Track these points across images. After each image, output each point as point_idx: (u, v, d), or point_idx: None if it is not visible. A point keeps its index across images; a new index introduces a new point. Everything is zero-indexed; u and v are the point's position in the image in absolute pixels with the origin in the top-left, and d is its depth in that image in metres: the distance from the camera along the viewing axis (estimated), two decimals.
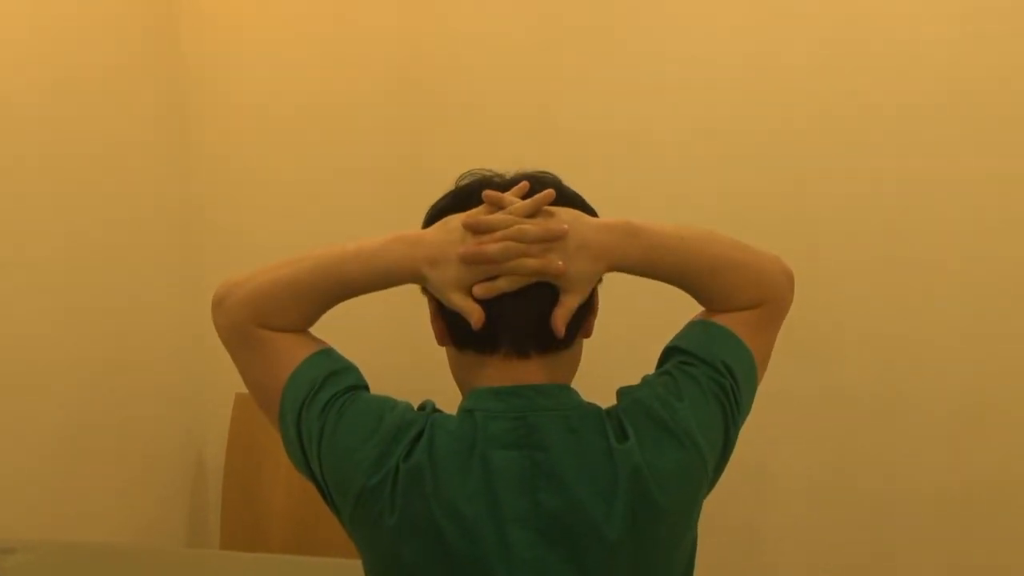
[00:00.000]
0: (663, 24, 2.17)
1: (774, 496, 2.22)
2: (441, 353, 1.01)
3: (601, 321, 1.00)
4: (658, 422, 0.90)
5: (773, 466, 2.20)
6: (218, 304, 0.97)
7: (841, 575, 2.20)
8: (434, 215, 0.97)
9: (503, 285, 0.90)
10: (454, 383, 1.00)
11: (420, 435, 0.90)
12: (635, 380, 0.97)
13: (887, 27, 2.07)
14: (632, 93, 2.19)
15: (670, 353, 0.99)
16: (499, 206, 0.92)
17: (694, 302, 1.03)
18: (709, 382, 0.94)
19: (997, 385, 2.09)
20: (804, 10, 2.10)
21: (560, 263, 0.90)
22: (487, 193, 0.92)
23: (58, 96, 1.98)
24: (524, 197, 0.93)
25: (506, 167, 0.99)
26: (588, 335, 0.99)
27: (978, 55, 2.03)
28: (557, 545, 0.87)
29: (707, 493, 0.95)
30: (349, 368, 0.97)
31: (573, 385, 0.97)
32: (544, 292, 0.91)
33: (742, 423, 0.98)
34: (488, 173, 0.98)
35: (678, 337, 1.00)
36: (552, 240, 0.90)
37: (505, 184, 0.96)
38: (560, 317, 0.91)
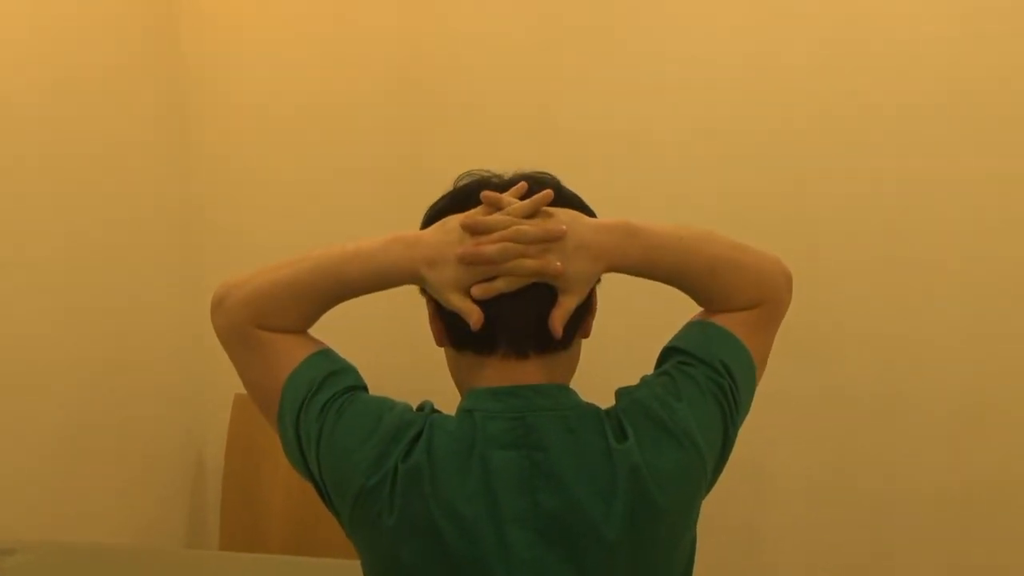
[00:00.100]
0: (663, 24, 2.17)
1: (774, 496, 2.22)
2: (440, 353, 1.01)
3: (599, 321, 1.00)
4: (657, 422, 0.90)
5: (773, 466, 2.20)
6: (217, 305, 0.97)
7: (840, 575, 2.21)
8: (432, 216, 0.97)
9: (501, 286, 0.90)
10: (453, 383, 1.00)
11: (419, 435, 0.90)
12: (634, 380, 0.97)
13: (887, 27, 2.07)
14: (632, 93, 2.19)
15: (669, 353, 0.99)
16: (497, 207, 0.92)
17: (692, 303, 1.03)
18: (708, 382, 0.94)
19: (997, 385, 2.09)
20: (804, 10, 2.10)
21: (558, 264, 0.90)
22: (485, 194, 0.92)
23: (58, 96, 1.98)
24: (522, 198, 0.93)
25: (506, 167, 0.99)
26: (586, 335, 0.99)
27: (978, 55, 2.03)
28: (556, 545, 0.87)
29: (706, 493, 0.95)
30: (348, 369, 0.97)
31: (572, 385, 0.97)
32: (542, 293, 0.91)
33: (741, 423, 0.98)
34: (486, 174, 0.98)
35: (676, 337, 1.00)
36: (550, 241, 0.90)
37: (503, 185, 0.96)
38: (558, 318, 0.91)
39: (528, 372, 0.93)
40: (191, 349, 2.38)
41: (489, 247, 0.89)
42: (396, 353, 2.16)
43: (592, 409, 0.93)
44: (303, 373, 0.94)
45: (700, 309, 1.03)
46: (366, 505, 0.89)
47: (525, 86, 2.24)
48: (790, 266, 1.04)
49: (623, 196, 1.95)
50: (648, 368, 1.00)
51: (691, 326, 1.01)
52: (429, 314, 0.99)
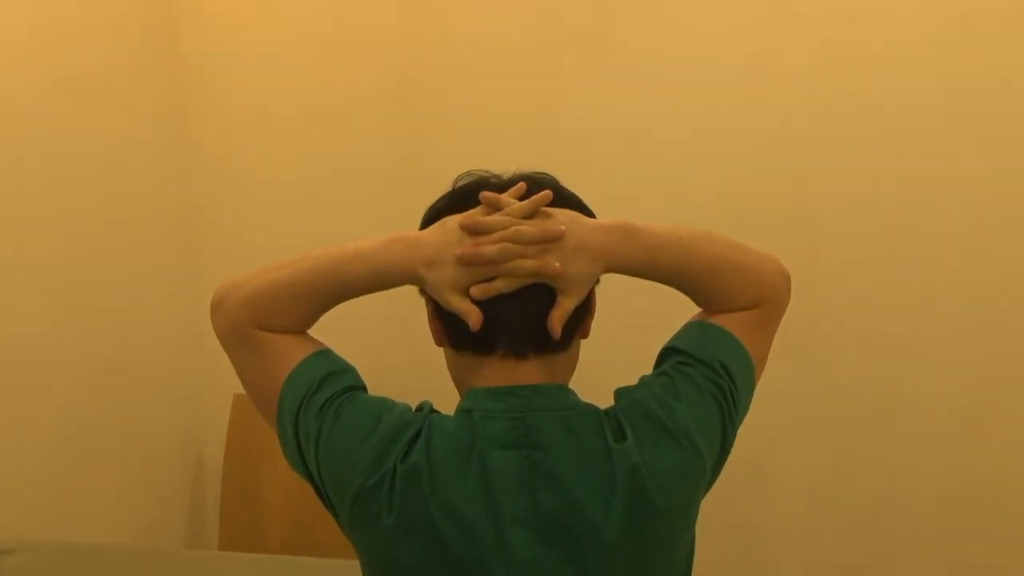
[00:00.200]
0: (663, 24, 2.17)
1: (774, 495, 2.22)
2: (439, 353, 1.01)
3: (598, 322, 1.00)
4: (656, 422, 0.90)
5: (772, 465, 2.20)
6: (216, 306, 0.97)
7: (840, 574, 2.20)
8: (432, 216, 0.97)
9: (500, 286, 0.90)
10: (452, 383, 1.00)
11: (418, 435, 0.90)
12: (633, 381, 0.97)
13: (887, 27, 2.07)
14: (632, 93, 2.19)
15: (667, 354, 0.99)
16: (496, 207, 0.92)
17: (691, 303, 1.03)
18: (706, 382, 0.94)
19: (997, 385, 2.09)
20: (804, 10, 2.10)
21: (557, 264, 0.90)
22: (484, 194, 0.92)
23: (58, 96, 1.98)
24: (522, 198, 0.93)
25: (506, 167, 0.99)
26: (586, 336, 0.99)
27: (978, 55, 2.03)
28: (556, 545, 0.87)
29: (705, 493, 0.95)
30: (347, 369, 0.97)
31: (571, 385, 0.97)
32: (541, 293, 0.91)
33: (740, 423, 0.98)
34: (486, 174, 0.98)
35: (675, 338, 1.00)
36: (549, 241, 0.90)
37: (503, 185, 0.96)
38: (557, 318, 0.91)
39: (527, 372, 0.93)
40: (191, 349, 2.38)
41: (488, 248, 0.89)
42: (396, 353, 2.16)
43: (591, 409, 0.93)
44: (302, 373, 0.94)
45: (699, 309, 1.03)
46: (365, 505, 0.89)
47: (525, 86, 2.24)
48: (790, 266, 1.04)
49: (623, 196, 1.95)
50: (647, 368, 1.00)
51: (690, 326, 1.01)
52: (428, 314, 0.99)
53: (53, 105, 1.97)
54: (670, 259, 0.96)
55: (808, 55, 2.10)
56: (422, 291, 0.96)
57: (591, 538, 0.87)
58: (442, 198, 0.98)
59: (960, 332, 2.10)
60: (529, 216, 0.91)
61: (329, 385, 0.94)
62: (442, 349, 1.00)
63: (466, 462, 0.88)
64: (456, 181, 0.99)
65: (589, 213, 0.97)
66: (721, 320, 0.99)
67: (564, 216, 0.92)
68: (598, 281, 0.96)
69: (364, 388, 0.98)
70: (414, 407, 0.96)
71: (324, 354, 0.98)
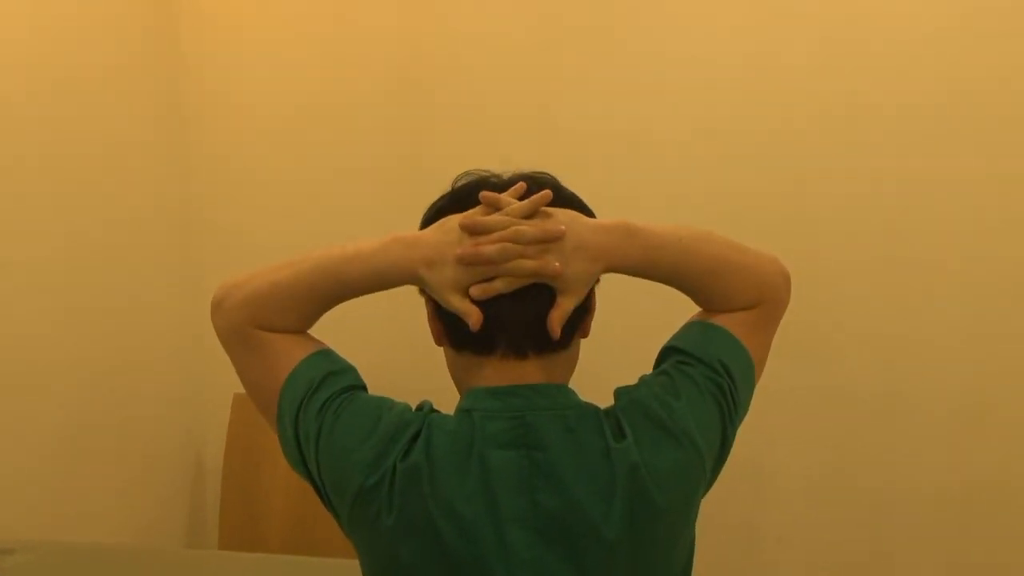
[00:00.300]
0: (663, 24, 2.17)
1: (773, 495, 2.22)
2: (439, 353, 1.01)
3: (598, 321, 1.00)
4: (656, 421, 0.90)
5: (772, 465, 2.20)
6: (217, 306, 0.97)
7: (840, 574, 2.20)
8: (431, 216, 0.97)
9: (500, 286, 0.90)
10: (452, 383, 1.00)
11: (417, 435, 0.90)
12: (632, 380, 0.97)
13: (887, 27, 2.07)
14: (632, 93, 2.19)
15: (667, 353, 0.99)
16: (496, 207, 0.92)
17: (691, 302, 1.03)
18: (706, 382, 0.94)
19: (997, 385, 2.09)
20: (804, 10, 2.10)
21: (557, 264, 0.89)
22: (484, 194, 0.92)
23: (58, 96, 1.98)
24: (521, 198, 0.93)
25: (506, 167, 0.99)
26: (585, 335, 0.99)
27: (978, 55, 2.03)
28: (555, 545, 0.87)
29: (705, 492, 0.95)
30: (347, 369, 0.97)
31: (571, 385, 0.97)
32: (541, 293, 0.91)
33: (740, 423, 0.98)
34: (485, 173, 0.98)
35: (675, 337, 1.00)
36: (549, 241, 0.90)
37: (502, 184, 0.96)
38: (556, 319, 0.91)
39: (527, 372, 0.93)
40: (191, 349, 2.38)
41: (488, 247, 0.89)
42: (395, 353, 2.16)
43: (591, 408, 0.93)
44: (302, 373, 0.94)
45: (699, 309, 1.03)
46: (365, 505, 0.89)
47: (525, 86, 2.24)
48: (790, 266, 1.04)
49: (623, 196, 1.95)
50: (647, 368, 1.00)
51: (690, 326, 1.01)
52: (428, 314, 0.99)
53: (53, 105, 1.97)
54: (670, 259, 0.95)
55: (808, 55, 2.10)
56: (422, 291, 0.96)
57: (591, 538, 0.87)
58: (442, 198, 0.98)
59: (960, 332, 2.10)
60: (529, 216, 0.91)
61: (329, 385, 0.94)
62: (442, 349, 1.00)
63: (466, 462, 0.88)
64: (456, 181, 0.99)
65: (589, 213, 0.97)
66: (721, 320, 0.99)
67: (564, 216, 0.92)
68: (598, 280, 0.96)
69: (364, 388, 0.98)
70: (414, 407, 0.96)
71: (324, 354, 0.98)
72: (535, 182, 0.96)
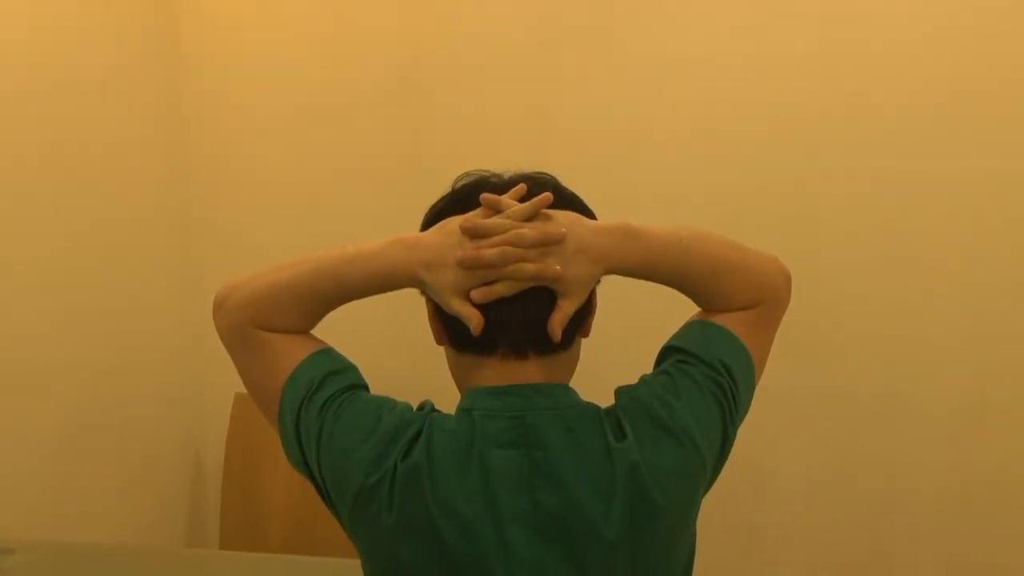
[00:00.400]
0: (663, 24, 2.17)
1: (773, 495, 2.22)
2: (440, 353, 1.01)
3: (599, 320, 1.00)
4: (656, 421, 0.90)
5: (772, 465, 2.20)
6: (218, 306, 0.97)
7: (840, 574, 2.21)
8: (432, 217, 0.96)
9: (501, 289, 0.90)
10: (453, 383, 1.00)
11: (418, 435, 0.90)
12: (633, 379, 0.97)
13: (887, 27, 2.07)
14: (632, 93, 2.19)
15: (668, 352, 0.99)
16: (496, 209, 0.92)
17: (691, 302, 1.02)
18: (707, 381, 0.94)
19: (997, 385, 2.09)
20: (804, 10, 2.10)
21: (558, 268, 0.89)
22: (484, 196, 0.92)
23: (58, 96, 1.98)
24: (522, 199, 0.93)
25: (506, 167, 0.99)
26: (586, 335, 0.99)
27: (978, 55, 2.03)
28: (556, 544, 0.87)
29: (705, 492, 0.95)
30: (348, 368, 0.97)
31: (572, 385, 0.97)
32: (541, 295, 0.91)
33: (740, 422, 0.98)
34: (486, 174, 0.98)
35: (676, 336, 1.00)
36: (550, 244, 0.89)
37: (503, 185, 0.96)
38: (557, 322, 0.91)
39: (528, 372, 0.93)
40: (191, 349, 2.38)
41: (488, 251, 0.88)
42: (396, 353, 2.16)
43: (591, 408, 0.93)
44: (303, 372, 0.94)
45: (699, 309, 1.03)
46: (365, 504, 0.89)
47: (525, 86, 2.24)
48: (790, 266, 1.04)
49: (623, 196, 1.95)
50: (647, 367, 1.00)
51: (690, 325, 1.01)
52: (428, 313, 0.98)
53: (53, 105, 1.97)
54: (671, 261, 0.95)
55: (808, 55, 2.10)
56: (422, 290, 0.96)
57: (591, 537, 0.87)
58: (442, 199, 0.98)
59: (960, 332, 2.10)
60: (529, 218, 0.91)
61: (330, 384, 0.94)
62: (442, 348, 1.00)
63: (466, 461, 0.88)
64: (456, 182, 0.99)
65: (589, 213, 0.97)
66: (721, 319, 0.99)
67: (565, 218, 0.92)
68: (599, 280, 0.96)
69: (366, 387, 0.98)
70: (415, 406, 0.96)
71: (326, 353, 0.98)
72: (535, 183, 0.96)
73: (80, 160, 2.05)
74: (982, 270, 2.07)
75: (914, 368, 2.12)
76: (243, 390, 1.01)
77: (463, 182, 0.98)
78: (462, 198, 0.95)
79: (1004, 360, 2.08)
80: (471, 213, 0.92)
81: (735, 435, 0.97)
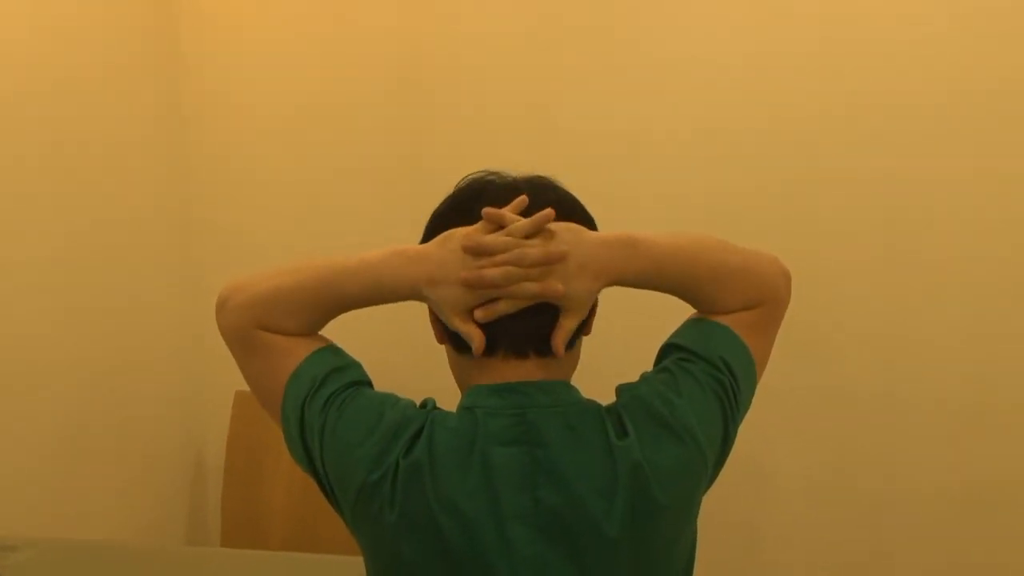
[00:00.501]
0: (663, 24, 2.17)
1: (774, 494, 2.22)
2: (441, 352, 1.01)
3: (600, 320, 1.00)
4: (657, 418, 0.90)
5: (772, 464, 2.20)
6: (221, 307, 0.98)
7: (840, 573, 2.21)
8: (434, 225, 0.96)
9: (503, 308, 0.90)
10: (454, 381, 1.00)
11: (420, 432, 0.90)
12: (634, 377, 0.97)
13: (887, 27, 2.07)
14: (632, 93, 2.19)
15: (668, 350, 0.99)
16: (499, 224, 0.91)
17: None
18: (708, 378, 0.94)
19: (997, 385, 2.09)
20: (804, 10, 2.10)
21: (560, 287, 0.89)
22: (486, 211, 0.91)
23: (58, 96, 1.98)
24: (524, 213, 0.92)
25: (506, 167, 0.99)
26: (588, 333, 1.00)
27: (978, 55, 2.03)
28: (557, 542, 0.88)
29: (706, 489, 0.95)
30: (352, 364, 0.98)
31: (573, 383, 0.97)
32: (543, 307, 0.91)
33: (741, 420, 0.98)
34: (487, 174, 0.98)
35: (676, 334, 1.00)
36: (552, 263, 0.89)
37: (504, 185, 0.96)
38: (560, 339, 0.92)
39: (528, 370, 0.93)
40: (191, 349, 2.38)
41: (491, 272, 0.88)
42: (396, 353, 2.16)
43: (593, 406, 0.93)
44: (307, 369, 0.95)
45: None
46: (368, 501, 0.89)
47: (525, 86, 2.24)
48: (790, 266, 1.04)
49: (623, 196, 1.95)
50: (648, 365, 1.00)
51: (691, 323, 1.01)
52: (429, 314, 0.99)
53: (53, 105, 1.97)
54: (672, 270, 0.95)
55: (808, 55, 2.10)
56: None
57: (592, 535, 0.87)
58: (444, 203, 0.98)
59: (960, 332, 2.10)
60: (531, 235, 0.91)
61: (333, 380, 0.94)
62: (443, 347, 1.00)
63: (467, 459, 0.88)
64: (458, 184, 0.99)
65: (588, 218, 0.97)
66: (722, 318, 0.99)
67: (567, 233, 0.91)
68: None
69: (369, 383, 0.98)
70: (418, 404, 0.96)
71: (329, 349, 0.98)
72: (535, 188, 0.96)
73: (80, 160, 2.05)
74: (982, 270, 2.07)
75: (914, 368, 2.12)
76: (244, 388, 1.01)
77: (464, 183, 0.98)
78: (462, 203, 0.95)
79: (1004, 360, 2.08)
80: (473, 228, 0.91)
81: (736, 433, 0.97)
